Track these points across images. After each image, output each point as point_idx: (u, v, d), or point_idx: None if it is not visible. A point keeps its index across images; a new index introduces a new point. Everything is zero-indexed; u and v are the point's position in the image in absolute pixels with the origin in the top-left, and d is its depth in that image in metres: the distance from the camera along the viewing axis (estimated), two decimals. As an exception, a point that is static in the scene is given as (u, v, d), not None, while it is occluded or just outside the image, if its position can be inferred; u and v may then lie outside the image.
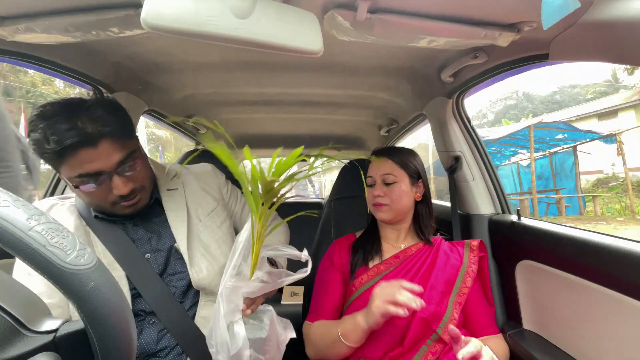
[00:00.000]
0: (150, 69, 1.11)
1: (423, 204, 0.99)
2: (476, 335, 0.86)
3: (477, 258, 0.91)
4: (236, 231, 0.95)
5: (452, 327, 0.66)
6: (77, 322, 0.32)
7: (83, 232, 0.75)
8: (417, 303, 0.68)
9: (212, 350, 0.57)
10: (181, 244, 0.79)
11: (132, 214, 0.78)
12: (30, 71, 11.30)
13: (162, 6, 0.52)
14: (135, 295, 0.75)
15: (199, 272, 0.78)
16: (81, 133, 0.63)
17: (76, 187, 0.67)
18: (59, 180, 1.13)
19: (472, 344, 0.66)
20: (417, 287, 0.72)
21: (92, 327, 0.30)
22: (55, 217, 0.73)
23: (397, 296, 0.69)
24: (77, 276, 0.29)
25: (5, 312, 0.29)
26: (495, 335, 0.88)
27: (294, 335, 0.65)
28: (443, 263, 0.90)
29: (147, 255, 0.78)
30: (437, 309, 0.83)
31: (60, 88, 13.77)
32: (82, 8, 0.66)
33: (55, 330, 0.31)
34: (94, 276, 0.30)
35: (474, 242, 0.94)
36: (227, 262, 0.64)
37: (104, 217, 0.78)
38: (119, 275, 0.73)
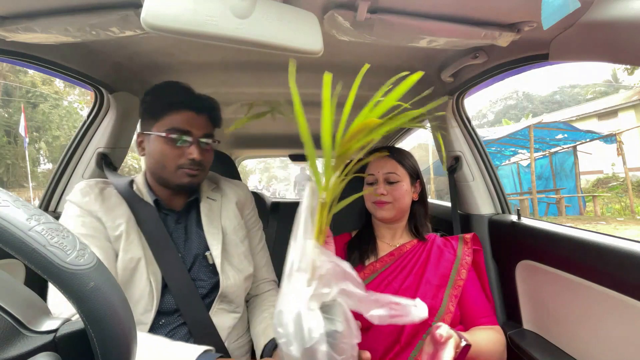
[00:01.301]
0: (150, 69, 1.11)
1: (420, 203, 1.00)
2: (473, 324, 0.85)
3: (471, 250, 0.92)
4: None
5: (441, 329, 0.63)
6: (77, 322, 0.32)
7: (134, 223, 0.78)
8: None
9: (281, 341, 0.50)
10: (215, 252, 0.83)
11: (187, 186, 0.82)
12: (30, 71, 11.31)
13: (162, 6, 0.52)
14: (162, 292, 0.77)
15: (227, 279, 0.83)
16: (194, 99, 0.82)
17: (166, 135, 0.77)
18: (59, 180, 1.13)
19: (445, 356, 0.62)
20: None
21: (92, 327, 0.30)
22: (109, 200, 0.77)
23: None
24: (77, 276, 0.29)
25: (5, 312, 0.29)
26: (491, 326, 0.86)
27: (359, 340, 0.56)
28: (437, 257, 0.91)
29: (179, 255, 0.81)
30: (432, 303, 0.83)
31: (60, 88, 13.78)
32: (82, 8, 0.66)
33: (55, 330, 0.31)
34: (94, 276, 0.30)
35: (467, 235, 0.95)
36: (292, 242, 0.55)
37: (160, 203, 0.83)
38: (154, 269, 0.76)
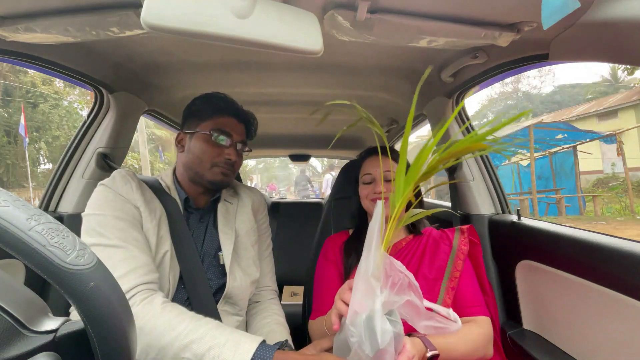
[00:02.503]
0: (150, 69, 1.11)
1: (415, 199, 1.00)
2: (460, 314, 0.83)
3: (468, 240, 0.91)
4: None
5: (402, 356, 0.59)
6: (77, 322, 0.32)
7: (165, 218, 0.81)
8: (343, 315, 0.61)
9: (353, 339, 0.53)
10: (226, 253, 0.85)
11: (219, 183, 0.87)
12: (30, 71, 11.29)
13: (162, 6, 0.52)
14: (177, 290, 0.79)
15: (234, 280, 0.84)
16: (238, 109, 0.91)
17: (210, 134, 0.84)
18: (59, 180, 1.13)
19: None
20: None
21: (92, 327, 0.30)
22: (146, 193, 0.81)
23: (337, 304, 0.64)
24: (77, 276, 0.29)
25: (5, 312, 0.29)
26: (477, 316, 0.83)
27: None
28: (432, 251, 0.91)
29: (197, 253, 0.84)
30: (429, 297, 0.82)
31: (60, 88, 13.77)
32: (82, 8, 0.66)
33: (55, 330, 0.31)
34: (94, 276, 0.30)
35: (464, 227, 0.94)
36: (365, 252, 0.59)
37: (189, 201, 0.88)
38: (174, 265, 0.78)
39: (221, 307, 0.83)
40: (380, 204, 0.61)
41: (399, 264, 0.58)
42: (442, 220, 1.38)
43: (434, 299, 0.83)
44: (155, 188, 0.85)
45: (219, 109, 0.88)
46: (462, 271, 0.87)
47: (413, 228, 0.98)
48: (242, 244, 0.91)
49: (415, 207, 0.99)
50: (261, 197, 1.06)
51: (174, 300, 0.78)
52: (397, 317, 0.57)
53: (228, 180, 0.88)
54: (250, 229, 0.95)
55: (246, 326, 0.93)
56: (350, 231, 1.06)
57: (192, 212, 0.89)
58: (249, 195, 1.01)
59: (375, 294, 0.54)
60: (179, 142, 0.90)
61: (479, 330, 0.80)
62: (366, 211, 1.00)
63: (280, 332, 0.85)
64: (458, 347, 0.73)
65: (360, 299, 0.54)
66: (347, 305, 0.60)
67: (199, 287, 0.80)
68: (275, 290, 1.03)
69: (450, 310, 0.61)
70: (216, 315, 0.81)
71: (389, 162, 0.96)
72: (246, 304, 0.90)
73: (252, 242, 0.93)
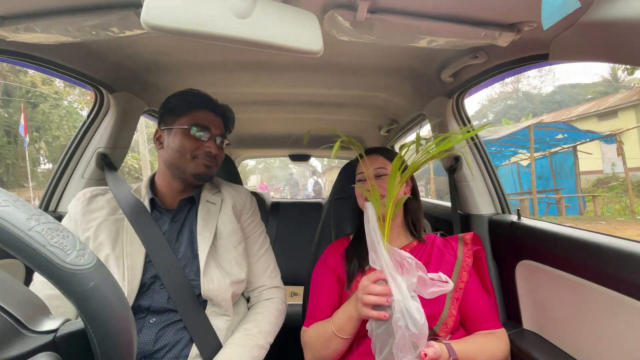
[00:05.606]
0: (150, 69, 1.11)
1: (413, 199, 1.00)
2: (475, 329, 0.85)
3: (472, 252, 0.91)
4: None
5: (429, 350, 0.65)
6: (77, 322, 0.32)
7: (108, 225, 0.82)
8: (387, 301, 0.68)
9: (400, 323, 0.62)
10: (201, 255, 0.84)
11: (202, 175, 0.88)
12: (30, 71, 11.30)
13: (162, 6, 0.52)
14: (150, 288, 0.79)
15: (209, 281, 0.82)
16: (214, 103, 0.94)
17: (188, 128, 0.86)
18: (59, 180, 1.13)
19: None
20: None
21: (92, 327, 0.30)
22: (92, 204, 0.85)
23: (371, 299, 0.69)
24: (77, 276, 0.29)
25: (5, 312, 0.29)
26: (495, 329, 0.85)
27: None
28: (437, 260, 0.90)
29: (172, 253, 0.83)
30: (435, 307, 0.82)
31: (60, 88, 13.77)
32: (82, 8, 0.67)
33: (55, 330, 0.31)
34: (94, 276, 0.30)
35: (467, 236, 0.93)
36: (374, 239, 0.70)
37: (155, 201, 0.88)
38: (133, 264, 0.79)
39: (209, 308, 0.82)
40: (369, 205, 0.70)
41: (401, 251, 0.68)
42: (442, 221, 1.38)
43: (439, 309, 0.83)
44: (120, 194, 0.87)
45: (195, 104, 0.89)
46: (468, 283, 0.87)
47: (414, 229, 0.97)
48: (223, 245, 0.88)
49: (413, 206, 0.99)
50: (247, 196, 1.02)
51: (154, 300, 0.78)
52: (413, 293, 0.68)
53: (211, 173, 0.90)
54: (232, 230, 0.92)
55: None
56: (351, 237, 1.05)
57: (162, 212, 0.88)
58: (232, 195, 0.99)
59: (399, 283, 0.65)
60: (157, 140, 0.91)
61: (498, 343, 0.83)
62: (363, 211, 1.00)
63: (230, 352, 0.78)
64: (476, 356, 0.77)
65: (394, 290, 0.65)
66: (380, 295, 0.69)
67: (180, 287, 0.79)
68: (275, 286, 1.00)
69: (441, 274, 0.69)
70: (202, 316, 0.79)
71: (381, 160, 0.96)
72: (230, 304, 0.86)
73: (234, 243, 0.91)
